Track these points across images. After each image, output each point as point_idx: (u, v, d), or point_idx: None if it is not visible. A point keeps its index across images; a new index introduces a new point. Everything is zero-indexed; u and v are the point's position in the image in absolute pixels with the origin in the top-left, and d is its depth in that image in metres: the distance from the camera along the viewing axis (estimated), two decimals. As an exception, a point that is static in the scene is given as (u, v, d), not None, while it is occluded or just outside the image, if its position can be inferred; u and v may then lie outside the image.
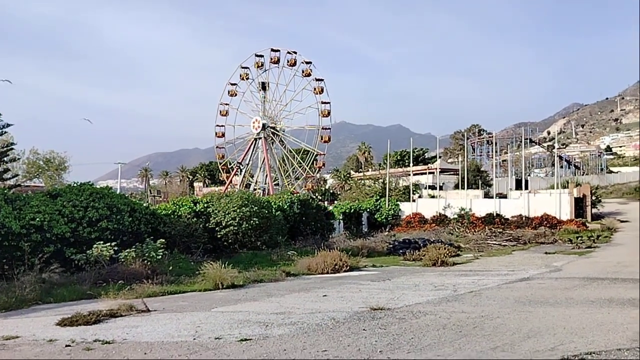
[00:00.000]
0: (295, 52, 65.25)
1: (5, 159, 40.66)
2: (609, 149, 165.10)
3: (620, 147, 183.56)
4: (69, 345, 7.98)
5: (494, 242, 29.66)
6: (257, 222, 22.50)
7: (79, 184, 18.95)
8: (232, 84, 68.79)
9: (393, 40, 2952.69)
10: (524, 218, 37.91)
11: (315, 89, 63.64)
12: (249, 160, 69.10)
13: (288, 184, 64.21)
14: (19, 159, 46.17)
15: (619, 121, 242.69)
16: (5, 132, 41.51)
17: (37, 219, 16.11)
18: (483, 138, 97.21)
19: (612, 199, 57.18)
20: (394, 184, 53.41)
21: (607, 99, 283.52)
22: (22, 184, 44.62)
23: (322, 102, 63.71)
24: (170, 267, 16.22)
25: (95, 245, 16.03)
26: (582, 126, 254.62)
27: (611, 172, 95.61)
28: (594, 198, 43.64)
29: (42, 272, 14.34)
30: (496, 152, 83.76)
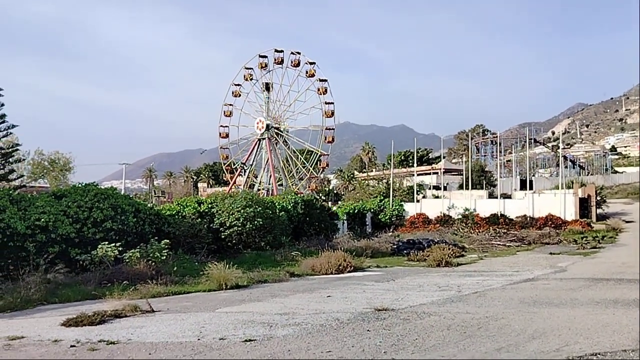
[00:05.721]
0: (299, 53, 65.23)
1: (10, 159, 40.86)
2: (613, 149, 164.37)
3: (625, 147, 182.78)
4: (74, 346, 8.01)
5: (499, 243, 29.56)
6: (261, 222, 22.52)
7: (83, 184, 18.97)
8: (236, 85, 68.85)
9: (396, 40, 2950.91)
10: (528, 218, 37.78)
11: (319, 89, 63.59)
12: (253, 161, 69.14)
13: (292, 185, 64.12)
14: (24, 159, 46.45)
15: (623, 121, 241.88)
16: (11, 133, 41.79)
17: (42, 220, 16.18)
18: (487, 138, 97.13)
19: (617, 199, 56.97)
20: (397, 184, 53.38)
21: (611, 98, 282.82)
22: (27, 185, 44.87)
23: (326, 103, 63.68)
24: (175, 268, 16.25)
25: (100, 246, 16.11)
26: (587, 126, 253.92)
27: (616, 172, 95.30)
28: (598, 198, 43.48)
29: (47, 272, 14.44)
30: (500, 152, 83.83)
